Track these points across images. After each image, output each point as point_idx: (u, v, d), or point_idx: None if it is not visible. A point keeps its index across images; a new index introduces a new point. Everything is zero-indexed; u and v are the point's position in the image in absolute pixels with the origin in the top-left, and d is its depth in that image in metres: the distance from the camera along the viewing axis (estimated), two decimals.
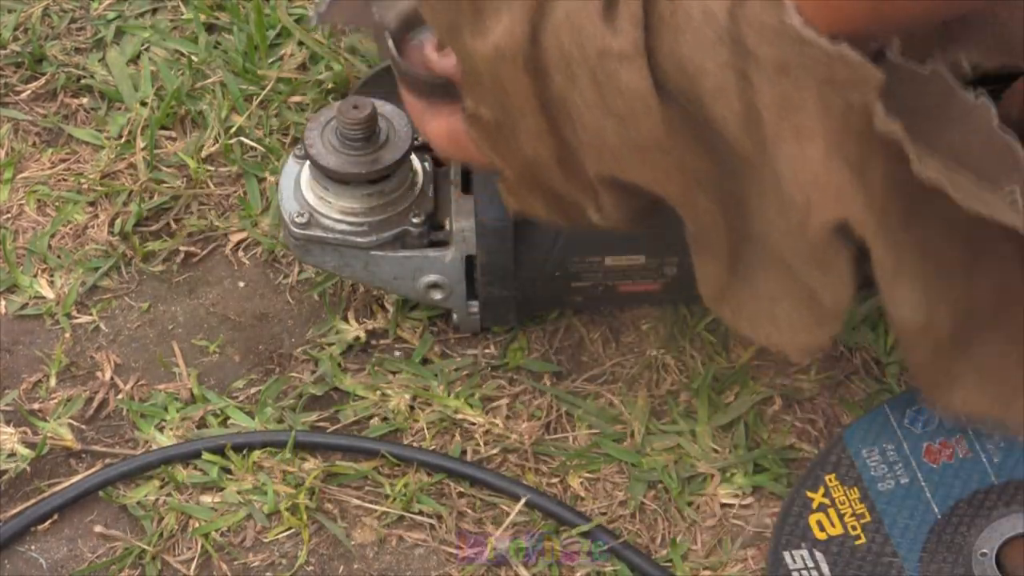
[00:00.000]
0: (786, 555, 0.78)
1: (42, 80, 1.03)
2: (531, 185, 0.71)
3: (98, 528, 0.81)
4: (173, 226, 0.95)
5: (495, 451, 0.84)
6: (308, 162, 0.81)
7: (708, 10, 0.61)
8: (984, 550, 0.77)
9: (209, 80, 1.01)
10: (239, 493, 0.82)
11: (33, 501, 0.82)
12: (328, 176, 0.80)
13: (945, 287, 0.68)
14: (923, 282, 0.67)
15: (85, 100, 1.02)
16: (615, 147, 0.65)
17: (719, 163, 0.67)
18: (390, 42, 0.74)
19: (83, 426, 0.86)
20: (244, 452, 0.83)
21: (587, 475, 0.83)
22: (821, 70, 0.59)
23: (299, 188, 0.82)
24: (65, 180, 0.97)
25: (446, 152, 0.75)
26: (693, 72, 0.62)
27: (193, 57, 1.02)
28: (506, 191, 0.72)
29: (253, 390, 0.87)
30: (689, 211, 0.68)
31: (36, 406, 0.86)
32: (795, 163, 0.62)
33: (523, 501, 0.81)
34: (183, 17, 1.06)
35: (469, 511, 0.82)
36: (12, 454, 0.84)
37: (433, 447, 0.84)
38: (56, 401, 0.86)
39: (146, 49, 1.04)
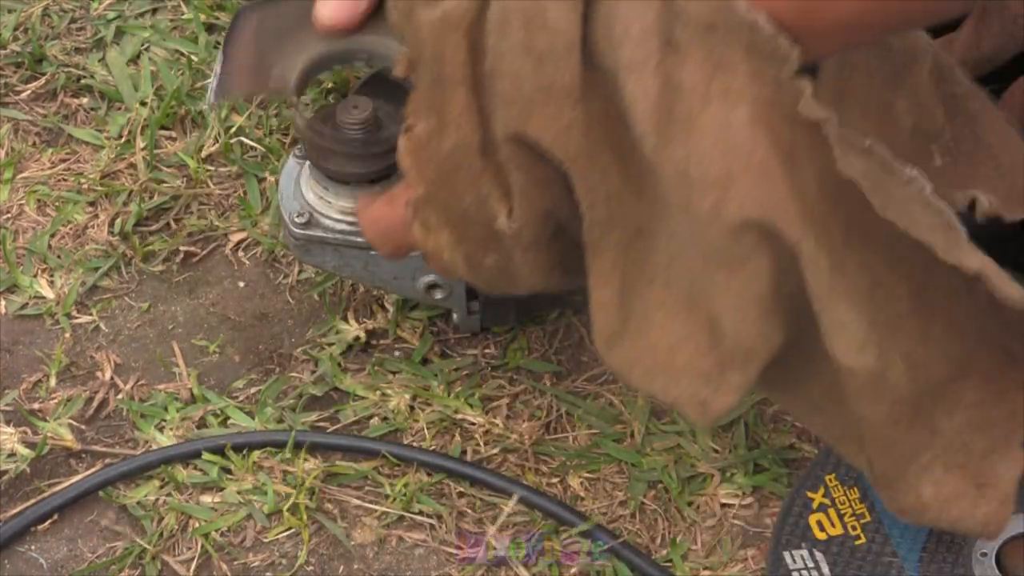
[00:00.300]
0: (786, 555, 0.78)
1: (42, 80, 1.03)
2: (442, 203, 0.69)
3: (98, 528, 0.81)
4: (173, 226, 0.95)
5: (495, 451, 0.84)
6: (308, 162, 0.81)
7: None
8: (984, 550, 0.77)
9: (209, 80, 1.01)
10: (239, 493, 0.82)
11: (33, 501, 0.82)
12: (328, 176, 0.80)
13: (897, 333, 0.65)
14: (870, 315, 0.64)
15: (85, 100, 1.02)
16: (528, 93, 0.63)
17: (624, 174, 0.64)
18: (298, 117, 0.76)
19: (83, 426, 0.86)
20: (244, 452, 0.83)
21: (587, 475, 0.83)
22: (744, 34, 0.57)
23: (299, 188, 0.82)
24: (65, 180, 0.97)
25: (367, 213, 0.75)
26: (618, 35, 0.60)
27: (193, 57, 1.02)
28: (414, 215, 0.71)
29: (253, 390, 0.87)
30: (587, 184, 0.64)
31: (36, 406, 0.86)
32: (719, 127, 0.59)
33: (515, 498, 0.81)
34: (183, 17, 1.06)
35: (469, 511, 0.82)
36: (12, 454, 0.84)
37: (433, 447, 0.84)
38: (56, 401, 0.86)
39: (146, 49, 1.04)
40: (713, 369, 0.66)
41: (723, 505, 0.82)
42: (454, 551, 0.80)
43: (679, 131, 0.60)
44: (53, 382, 0.87)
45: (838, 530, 0.78)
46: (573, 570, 0.79)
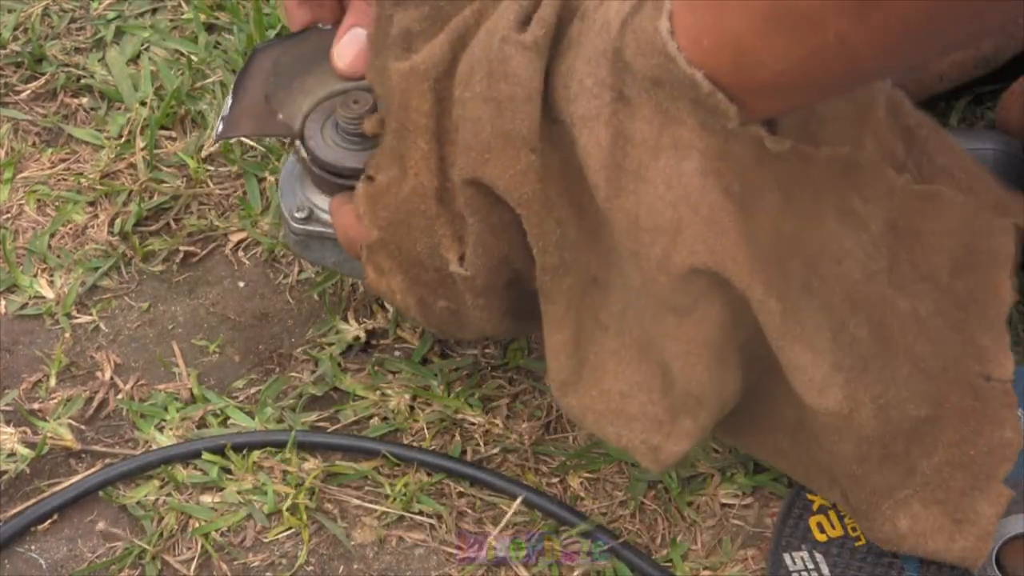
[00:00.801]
0: (786, 556, 0.78)
1: (42, 80, 1.03)
2: (395, 248, 0.71)
3: (98, 528, 0.81)
4: (173, 226, 0.95)
5: (495, 451, 0.84)
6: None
7: (607, 20, 0.61)
8: None
9: (209, 80, 1.01)
10: (239, 493, 0.82)
11: (33, 501, 0.82)
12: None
13: (865, 376, 0.66)
14: (833, 358, 0.65)
15: (85, 100, 1.02)
16: (487, 139, 0.65)
17: (580, 224, 0.66)
18: (303, 149, 0.78)
19: (83, 426, 0.85)
20: (244, 452, 0.83)
21: (587, 475, 0.83)
22: (688, 89, 0.59)
23: (299, 183, 0.82)
24: (65, 180, 0.97)
25: (343, 220, 0.76)
26: (574, 89, 0.62)
27: (193, 57, 1.02)
28: (367, 258, 0.73)
29: (253, 390, 0.87)
30: (540, 229, 0.66)
31: (36, 406, 0.86)
32: (669, 177, 0.60)
33: (519, 500, 0.81)
34: (183, 17, 1.06)
35: (469, 511, 0.82)
36: (12, 454, 0.84)
37: (433, 447, 0.84)
38: (56, 401, 0.86)
39: (146, 49, 1.04)
40: (665, 416, 0.68)
41: (723, 505, 0.82)
42: (454, 551, 0.80)
43: (630, 181, 0.61)
44: (53, 382, 0.87)
45: (838, 532, 0.78)
46: (575, 572, 0.79)
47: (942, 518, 0.71)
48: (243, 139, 0.97)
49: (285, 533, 0.81)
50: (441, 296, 0.72)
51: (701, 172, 0.60)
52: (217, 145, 0.97)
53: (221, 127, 0.79)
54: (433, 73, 0.66)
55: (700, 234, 0.61)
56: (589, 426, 0.70)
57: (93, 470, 0.83)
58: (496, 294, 0.71)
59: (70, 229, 0.94)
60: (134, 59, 1.03)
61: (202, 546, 0.80)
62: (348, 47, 0.78)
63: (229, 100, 0.79)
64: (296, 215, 0.81)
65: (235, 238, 0.94)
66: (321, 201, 0.81)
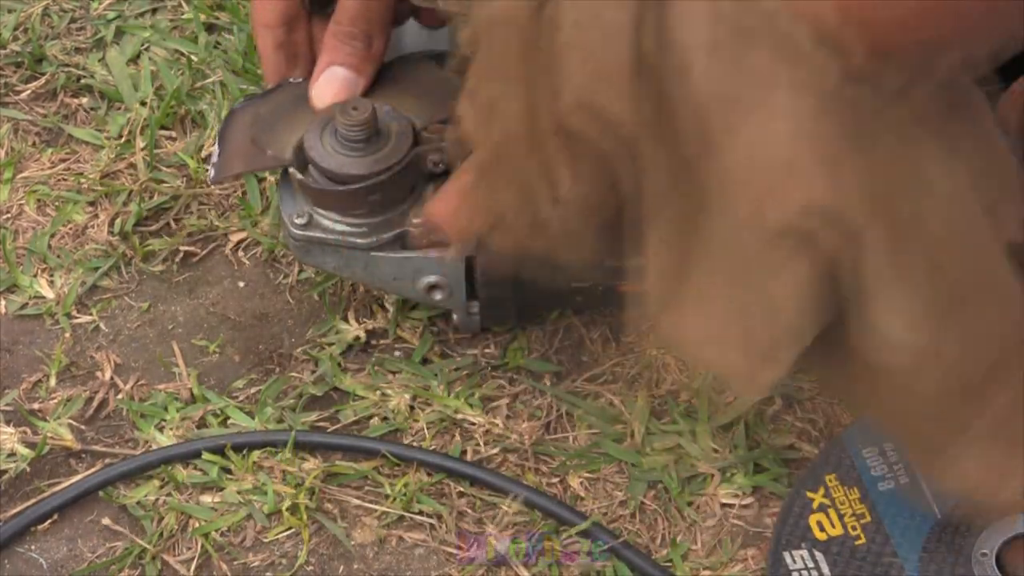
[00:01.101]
0: (786, 555, 0.78)
1: (42, 80, 1.03)
2: (500, 166, 0.69)
3: (98, 528, 0.81)
4: (173, 226, 0.95)
5: (495, 451, 0.84)
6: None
7: None
8: (984, 550, 0.77)
9: (209, 80, 1.01)
10: (239, 493, 0.82)
11: (33, 501, 0.82)
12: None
13: (953, 314, 0.66)
14: (927, 294, 0.64)
15: (85, 100, 1.02)
16: (590, 70, 0.63)
17: (686, 157, 0.64)
18: (299, 174, 0.78)
19: (83, 426, 0.86)
20: (244, 452, 0.83)
21: (587, 475, 0.83)
22: (810, 25, 0.57)
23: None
24: (65, 180, 0.97)
25: None
26: (689, 18, 0.60)
27: (193, 57, 1.02)
28: (479, 175, 0.71)
29: (253, 390, 0.87)
30: (650, 152, 0.64)
31: (36, 406, 0.86)
32: (786, 114, 0.59)
33: (518, 499, 0.81)
34: (183, 17, 1.06)
35: (469, 511, 0.82)
36: (12, 454, 0.84)
37: (433, 447, 0.84)
38: (56, 401, 0.86)
39: (146, 49, 1.04)
40: (766, 343, 0.67)
41: (723, 505, 0.82)
42: (454, 551, 0.80)
43: (743, 116, 0.60)
44: (53, 382, 0.87)
45: (838, 530, 0.78)
46: (575, 572, 0.79)
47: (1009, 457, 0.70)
48: None
49: (285, 533, 0.81)
50: (542, 206, 0.71)
51: (818, 112, 0.59)
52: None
53: (213, 172, 0.80)
54: (520, 18, 0.65)
55: (816, 172, 0.60)
56: (687, 348, 0.69)
57: (93, 470, 0.83)
58: (592, 229, 0.70)
59: (70, 229, 0.94)
60: (134, 59, 1.03)
61: (202, 546, 0.80)
62: (327, 86, 0.78)
63: (216, 149, 0.80)
64: (296, 220, 0.81)
65: (235, 238, 0.94)
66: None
